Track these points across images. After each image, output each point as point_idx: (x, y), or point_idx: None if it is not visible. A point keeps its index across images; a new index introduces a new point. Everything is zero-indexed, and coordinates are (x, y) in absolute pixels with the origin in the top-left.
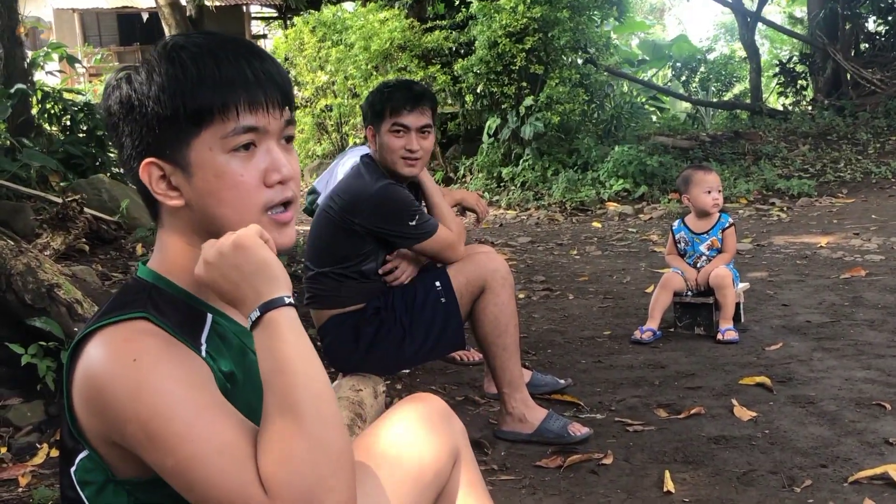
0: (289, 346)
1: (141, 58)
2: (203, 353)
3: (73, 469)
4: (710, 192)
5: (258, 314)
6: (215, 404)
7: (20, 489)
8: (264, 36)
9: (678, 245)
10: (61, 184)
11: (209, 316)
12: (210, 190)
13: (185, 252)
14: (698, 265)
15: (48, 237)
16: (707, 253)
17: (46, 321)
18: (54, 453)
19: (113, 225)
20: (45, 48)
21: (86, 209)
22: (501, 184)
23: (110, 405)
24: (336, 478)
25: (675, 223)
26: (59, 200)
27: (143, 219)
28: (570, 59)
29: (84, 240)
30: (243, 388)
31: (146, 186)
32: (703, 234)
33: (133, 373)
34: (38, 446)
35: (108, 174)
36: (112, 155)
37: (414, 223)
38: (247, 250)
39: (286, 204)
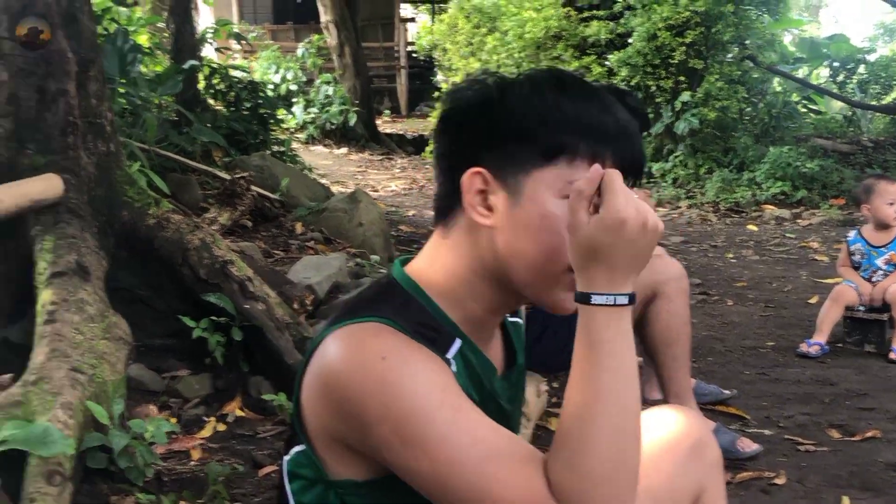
0: (618, 350)
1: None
2: (452, 368)
3: (287, 458)
4: (892, 203)
5: (616, 301)
6: (471, 407)
7: (192, 462)
8: (412, 19)
9: (852, 257)
10: (224, 159)
11: (458, 340)
12: (528, 225)
13: (459, 270)
14: (873, 279)
15: (216, 212)
16: (884, 268)
17: (220, 297)
18: (221, 427)
19: (276, 203)
20: (213, 24)
21: (252, 186)
22: (651, 180)
23: (354, 404)
24: (629, 497)
25: (851, 234)
26: (227, 176)
27: (301, 198)
28: (730, 55)
29: (248, 216)
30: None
31: (455, 190)
32: (881, 247)
33: (383, 370)
34: (206, 419)
35: (269, 152)
36: (274, 132)
37: None
38: (654, 239)
39: None
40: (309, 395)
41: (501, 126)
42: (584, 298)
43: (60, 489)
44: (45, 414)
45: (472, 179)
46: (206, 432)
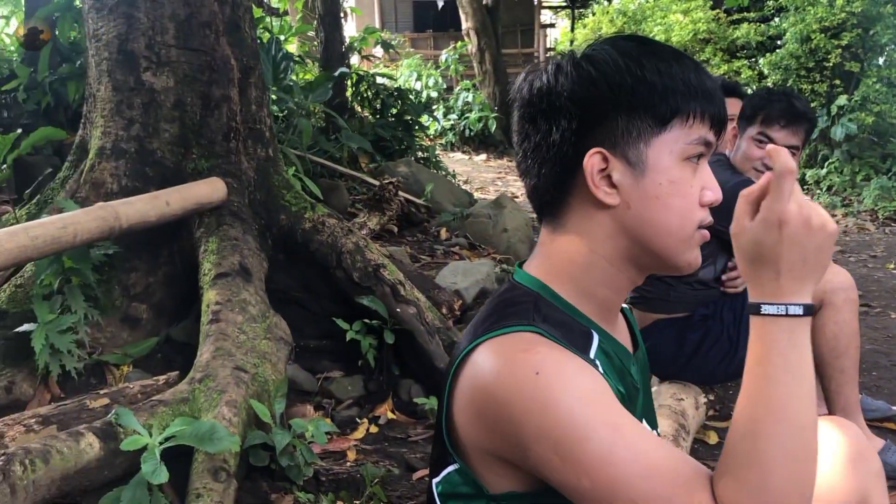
0: (793, 364)
1: (548, 55)
2: (599, 369)
3: (436, 480)
4: None
5: (788, 311)
6: (631, 422)
7: (348, 463)
8: (552, 25)
9: None
10: (370, 165)
11: (595, 334)
12: (658, 194)
13: (583, 258)
14: None
15: (365, 217)
16: None
17: (373, 300)
18: (373, 429)
19: (422, 208)
20: (362, 33)
21: (399, 191)
22: (805, 187)
23: (510, 420)
24: None
25: None
26: (375, 182)
27: (445, 203)
28: (889, 58)
29: (395, 221)
30: (629, 408)
31: (563, 180)
32: None
33: (538, 387)
34: (358, 421)
35: (414, 158)
36: (417, 139)
37: None
38: (826, 240)
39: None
40: (462, 412)
41: (609, 102)
42: (755, 309)
43: (225, 485)
44: (210, 411)
45: (592, 161)
46: (359, 434)
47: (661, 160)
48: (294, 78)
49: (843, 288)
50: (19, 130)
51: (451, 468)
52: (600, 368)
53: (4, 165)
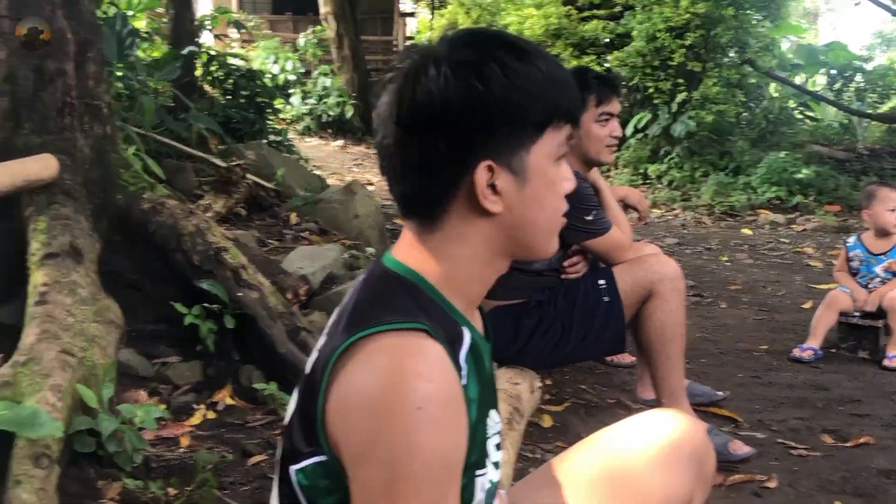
0: None
1: (472, 52)
2: (463, 379)
3: (296, 467)
4: (894, 210)
5: None
6: (455, 493)
7: (181, 449)
8: (412, 14)
9: (850, 263)
10: (219, 147)
11: (467, 333)
12: (537, 196)
13: (459, 257)
14: (870, 286)
15: (211, 199)
16: (882, 275)
17: (213, 284)
18: (211, 415)
19: (271, 192)
20: (212, 11)
21: (248, 175)
22: (647, 181)
23: (364, 431)
24: None
25: (851, 239)
26: (223, 164)
27: (296, 188)
28: (729, 59)
29: (243, 205)
30: (482, 405)
31: (447, 188)
32: (881, 254)
33: (409, 423)
34: (196, 407)
35: (266, 141)
36: (270, 122)
37: (590, 218)
38: None
39: None
40: (335, 408)
41: (496, 115)
42: None
43: (47, 472)
44: (33, 396)
45: (481, 174)
46: (196, 420)
47: (539, 164)
48: (140, 54)
49: (671, 278)
50: None
51: (315, 459)
52: (465, 372)
53: None
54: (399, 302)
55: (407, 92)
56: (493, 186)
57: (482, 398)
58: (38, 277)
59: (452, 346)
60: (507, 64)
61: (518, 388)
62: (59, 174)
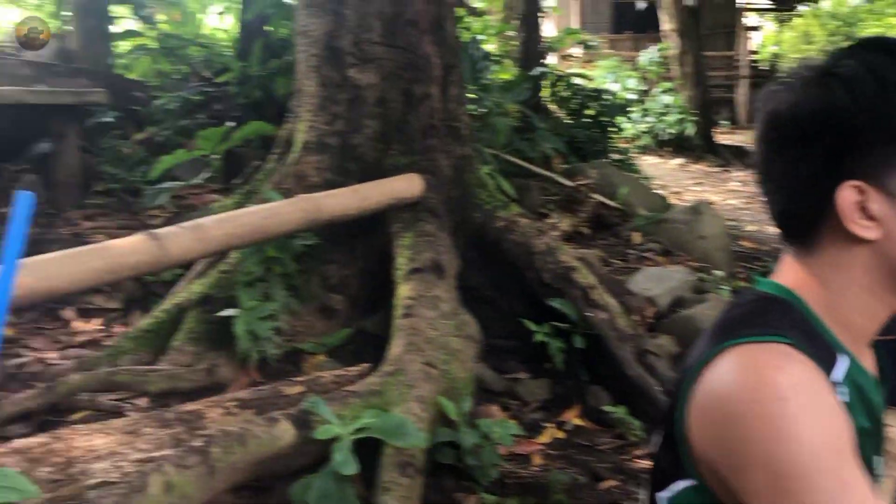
0: None
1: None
2: (844, 396)
3: (665, 495)
4: None
5: None
6: (861, 483)
7: (534, 467)
8: (756, 28)
9: None
10: (562, 166)
11: (845, 357)
12: None
13: (839, 287)
14: None
15: (557, 218)
16: None
17: (563, 303)
18: (559, 434)
19: (615, 211)
20: (561, 33)
21: (592, 193)
22: None
23: (736, 439)
24: None
25: None
26: (568, 183)
27: (639, 207)
28: None
29: (587, 224)
30: (871, 443)
31: (815, 207)
32: None
33: (781, 414)
34: (544, 425)
35: (608, 160)
36: (612, 140)
37: None
38: None
39: None
40: (698, 422)
41: (868, 131)
42: None
43: (412, 481)
44: (400, 405)
45: (845, 195)
46: (546, 438)
47: None
48: (491, 77)
49: None
50: (230, 123)
51: (685, 483)
52: (844, 391)
53: (216, 156)
54: (769, 318)
55: (771, 105)
56: (865, 209)
57: (873, 434)
58: (403, 291)
59: (824, 365)
60: (885, 75)
61: (893, 431)
62: (424, 192)
